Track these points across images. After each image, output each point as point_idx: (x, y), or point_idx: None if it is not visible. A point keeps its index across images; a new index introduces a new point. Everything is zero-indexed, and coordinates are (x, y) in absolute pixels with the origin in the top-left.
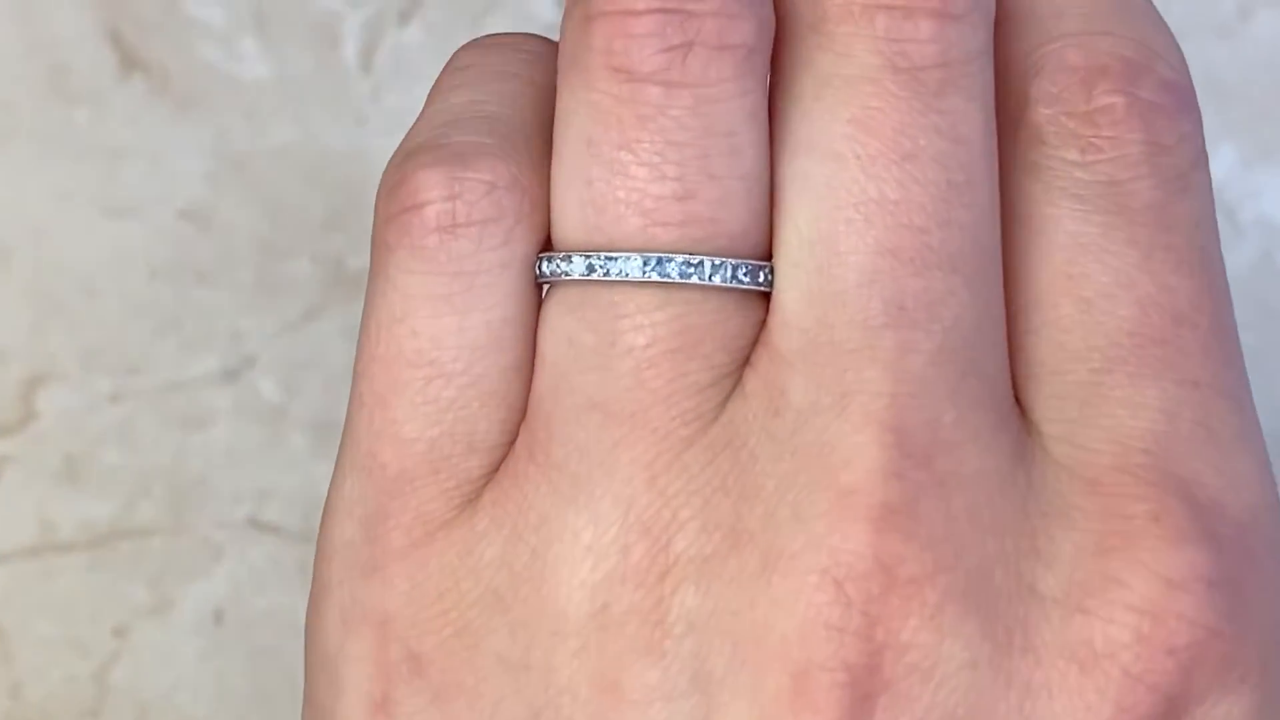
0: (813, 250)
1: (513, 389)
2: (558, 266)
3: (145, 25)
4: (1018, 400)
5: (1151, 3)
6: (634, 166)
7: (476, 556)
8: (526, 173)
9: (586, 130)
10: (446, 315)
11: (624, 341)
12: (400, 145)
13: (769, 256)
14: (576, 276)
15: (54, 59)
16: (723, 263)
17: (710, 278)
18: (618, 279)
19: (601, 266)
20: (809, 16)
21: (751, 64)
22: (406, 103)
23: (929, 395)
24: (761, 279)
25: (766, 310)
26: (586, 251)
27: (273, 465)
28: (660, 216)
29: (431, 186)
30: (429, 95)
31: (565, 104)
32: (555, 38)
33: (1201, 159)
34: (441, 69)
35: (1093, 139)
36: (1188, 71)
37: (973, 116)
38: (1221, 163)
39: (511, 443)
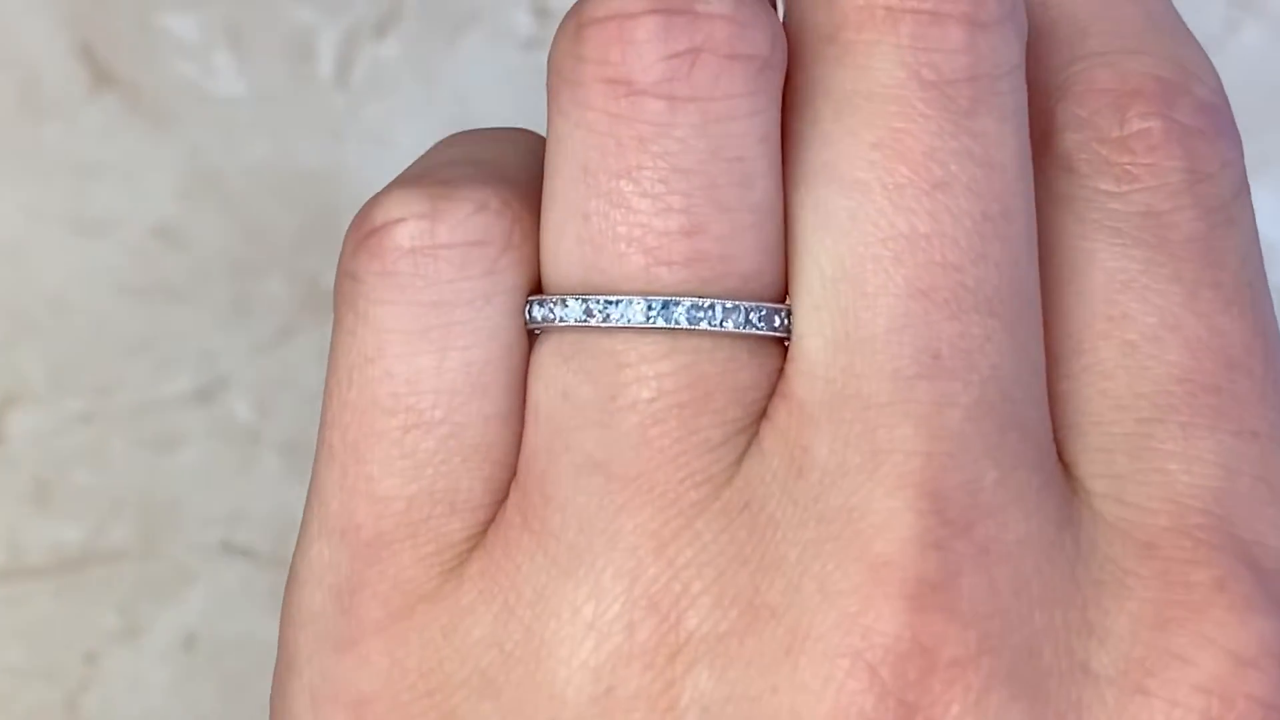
0: (837, 291)
1: (499, 442)
2: (550, 310)
3: (117, 40)
4: (1059, 454)
5: (1181, 18)
6: (635, 198)
7: (463, 634)
8: (518, 200)
9: (581, 156)
10: (424, 353)
11: (626, 395)
12: None
13: (783, 297)
14: (572, 322)
15: (24, 74)
16: (735, 305)
17: (721, 323)
18: (618, 325)
19: (600, 311)
20: (825, 26)
21: (765, 79)
22: (384, 117)
23: (968, 454)
24: (778, 323)
25: (783, 358)
26: (583, 294)
27: (246, 487)
28: (665, 255)
29: (407, 204)
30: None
31: (557, 127)
32: (535, 52)
33: (1244, 187)
34: None
35: (1128, 167)
36: (1224, 92)
37: (1007, 139)
38: None
39: (498, 502)
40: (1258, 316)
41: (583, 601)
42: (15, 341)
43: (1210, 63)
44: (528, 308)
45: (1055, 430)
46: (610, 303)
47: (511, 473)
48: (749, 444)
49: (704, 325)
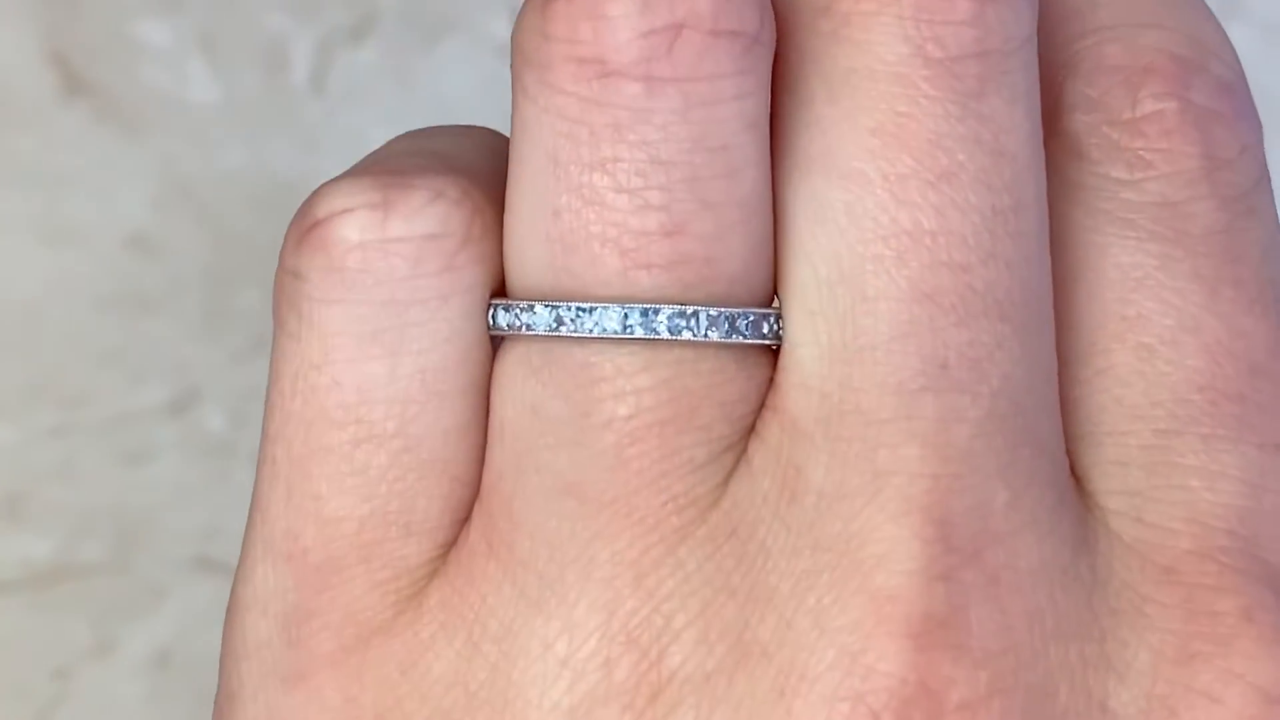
0: (834, 294)
1: (459, 457)
2: (516, 317)
3: (89, 47)
4: (1070, 467)
5: None
6: (610, 193)
7: (422, 671)
8: (479, 191)
9: (549, 145)
10: (375, 359)
11: (602, 412)
12: None
13: (771, 300)
14: (541, 330)
15: None
16: (720, 313)
17: (705, 332)
18: (592, 335)
19: (572, 320)
20: None
21: (753, 58)
22: (359, 125)
23: (977, 474)
24: (766, 330)
25: (773, 368)
26: (552, 301)
27: (220, 501)
28: (643, 257)
29: (356, 193)
30: None
31: (523, 114)
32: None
33: (1264, 176)
34: None
35: (1141, 152)
36: (1243, 71)
37: (1018, 123)
38: None
39: (459, 523)
40: None
41: (554, 637)
42: None
43: (1227, 38)
44: (491, 312)
45: (1066, 441)
46: (583, 310)
47: (473, 490)
48: (736, 463)
49: (686, 335)
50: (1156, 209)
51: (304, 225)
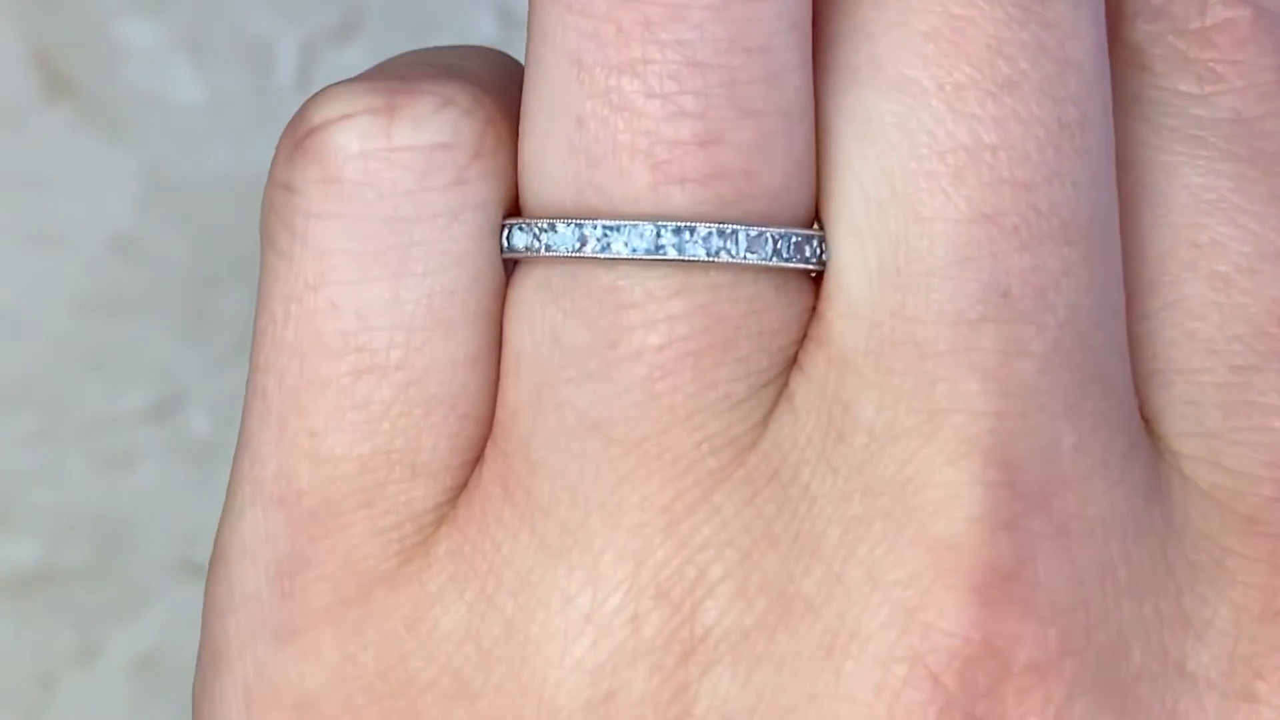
0: (884, 215)
1: (468, 392)
2: (535, 237)
3: (72, 47)
4: (1139, 409)
5: None
6: (641, 98)
7: (429, 626)
8: (490, 100)
9: (573, 46)
10: (377, 280)
11: (630, 342)
12: None
13: (812, 221)
14: (563, 251)
15: None
16: (761, 233)
17: (745, 254)
18: (620, 255)
19: (598, 239)
20: None
21: None
22: None
23: (1042, 413)
24: (809, 253)
25: (815, 295)
26: (576, 218)
27: (204, 504)
28: (677, 170)
29: (356, 98)
30: None
31: (542, 14)
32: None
33: None
34: None
35: (1212, 64)
36: None
37: (1083, 29)
38: None
39: (469, 464)
40: None
41: (577, 589)
42: None
43: None
44: (505, 233)
45: (1134, 380)
46: (610, 228)
47: (485, 429)
48: (777, 400)
49: (724, 257)
50: (1229, 126)
51: (298, 133)
